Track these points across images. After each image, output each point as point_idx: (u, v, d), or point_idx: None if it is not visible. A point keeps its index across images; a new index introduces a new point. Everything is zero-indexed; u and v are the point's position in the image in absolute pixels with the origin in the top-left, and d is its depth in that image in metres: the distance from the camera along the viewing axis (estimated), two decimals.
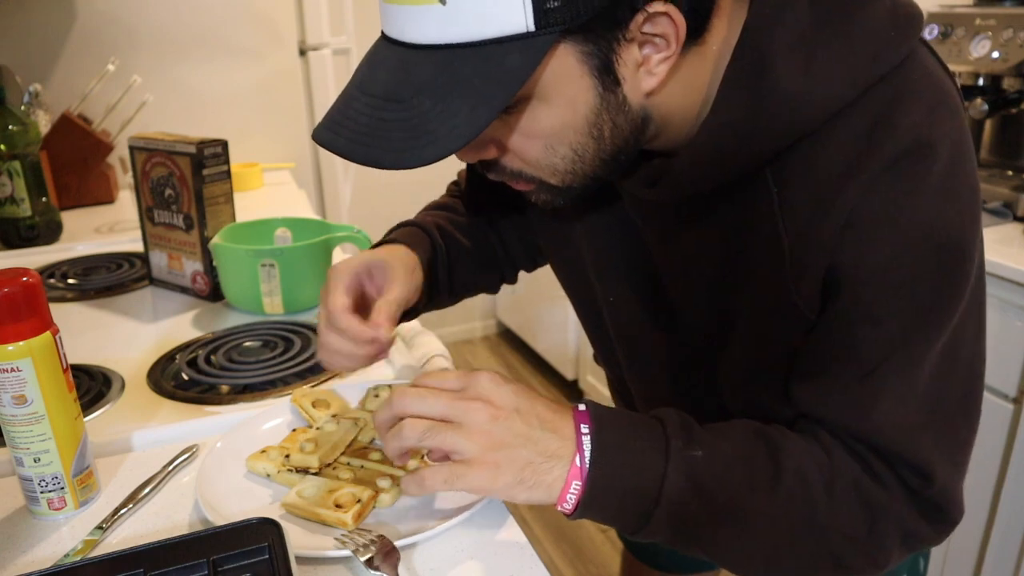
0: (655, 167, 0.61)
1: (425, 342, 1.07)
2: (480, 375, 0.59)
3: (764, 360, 0.64)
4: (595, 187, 0.61)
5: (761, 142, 0.56)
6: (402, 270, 0.75)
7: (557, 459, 0.56)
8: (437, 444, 0.56)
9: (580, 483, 0.56)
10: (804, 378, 0.61)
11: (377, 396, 0.82)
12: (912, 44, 0.55)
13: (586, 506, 0.56)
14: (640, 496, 0.56)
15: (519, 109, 0.54)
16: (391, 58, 0.53)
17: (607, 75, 0.53)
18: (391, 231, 0.85)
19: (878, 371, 0.56)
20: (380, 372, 0.94)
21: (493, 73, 0.50)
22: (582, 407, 0.59)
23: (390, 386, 0.83)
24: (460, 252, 0.85)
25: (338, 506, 0.65)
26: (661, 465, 0.56)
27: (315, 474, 0.70)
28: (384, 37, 0.55)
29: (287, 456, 0.71)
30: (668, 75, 0.54)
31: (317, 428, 0.76)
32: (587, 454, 0.56)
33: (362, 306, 0.74)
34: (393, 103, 0.52)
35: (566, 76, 0.52)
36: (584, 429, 0.57)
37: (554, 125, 0.55)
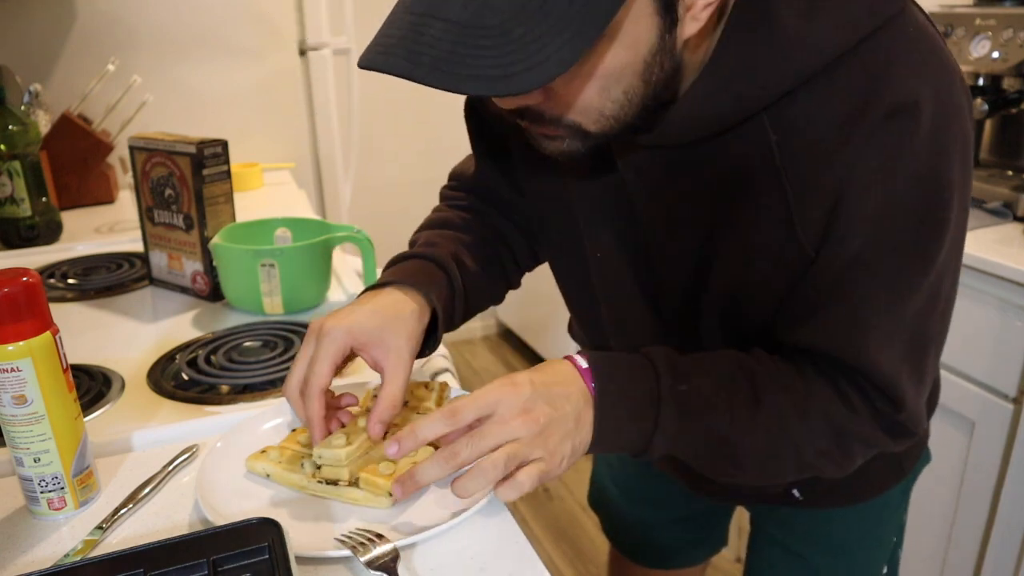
0: (657, 115, 0.62)
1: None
2: (495, 396, 0.61)
3: (748, 308, 0.68)
4: (619, 135, 0.61)
5: (761, 85, 0.57)
6: (404, 343, 0.70)
7: (586, 418, 0.63)
8: (514, 466, 0.60)
9: (592, 427, 0.63)
10: (795, 321, 0.66)
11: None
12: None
13: (597, 443, 0.64)
14: (640, 427, 0.64)
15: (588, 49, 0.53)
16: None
17: (668, 16, 0.54)
18: (403, 258, 0.80)
19: (868, 310, 0.61)
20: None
21: (584, 3, 0.49)
22: (583, 363, 0.64)
23: None
24: (474, 280, 0.83)
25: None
26: (655, 400, 0.64)
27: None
28: None
29: (318, 467, 0.69)
30: (706, 24, 0.56)
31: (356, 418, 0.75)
32: (595, 402, 0.63)
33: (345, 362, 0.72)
34: (479, 28, 0.49)
35: (639, 14, 0.52)
36: (592, 384, 0.64)
37: (618, 65, 0.55)
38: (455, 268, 0.80)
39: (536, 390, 0.62)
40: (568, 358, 0.66)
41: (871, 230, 0.59)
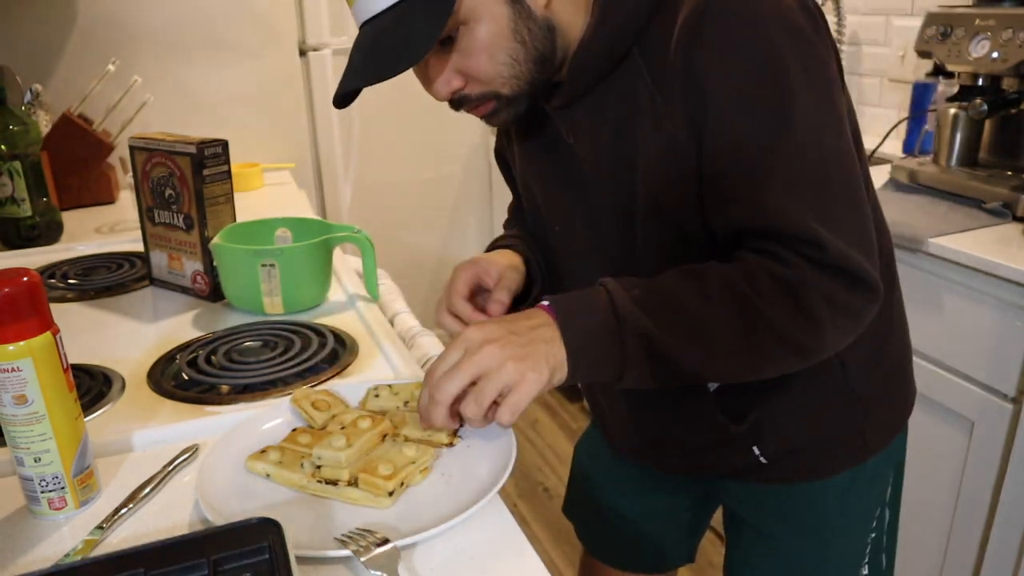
0: (562, 78, 0.79)
1: (425, 343, 1.07)
2: (465, 336, 0.69)
3: (673, 213, 0.77)
4: (539, 94, 0.78)
5: (621, 22, 0.74)
6: (511, 270, 0.90)
7: (553, 341, 0.69)
8: (493, 391, 0.66)
9: (563, 346, 0.69)
10: (709, 205, 0.75)
11: (377, 396, 0.82)
12: None
13: (574, 359, 0.69)
14: (606, 329, 0.69)
15: (462, 34, 0.73)
16: (365, 31, 0.75)
17: None
18: (493, 244, 0.99)
19: (755, 170, 0.71)
20: (380, 372, 0.94)
21: (435, 5, 0.70)
22: (547, 302, 0.72)
23: (390, 386, 0.83)
24: (540, 256, 0.98)
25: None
26: (608, 300, 0.70)
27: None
28: (359, 28, 0.76)
29: (318, 467, 0.70)
30: None
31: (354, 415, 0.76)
32: (558, 322, 0.70)
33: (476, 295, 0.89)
34: (375, 44, 0.73)
35: None
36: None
37: (488, 36, 0.73)
38: (524, 244, 0.97)
39: (500, 324, 0.70)
40: (535, 304, 0.75)
41: (728, 110, 0.70)
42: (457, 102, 0.79)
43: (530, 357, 0.67)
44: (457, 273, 0.89)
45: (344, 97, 0.77)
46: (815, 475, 0.91)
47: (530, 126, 0.88)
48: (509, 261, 0.92)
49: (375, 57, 0.72)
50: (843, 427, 0.88)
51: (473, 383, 0.67)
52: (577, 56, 0.77)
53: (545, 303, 0.72)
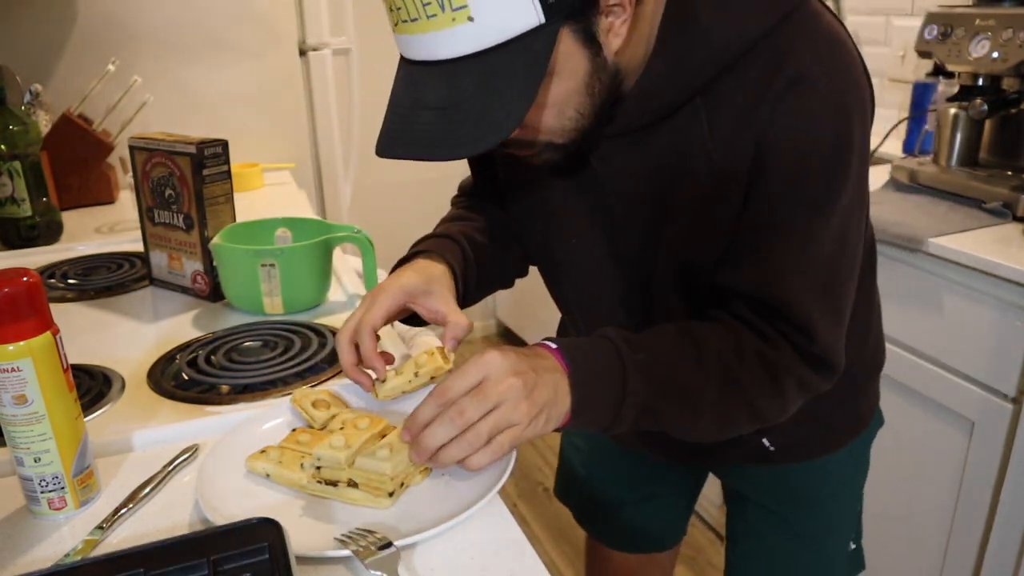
0: (614, 110, 0.74)
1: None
2: (487, 360, 0.66)
3: (697, 269, 0.77)
4: (585, 140, 0.74)
5: (689, 73, 0.70)
6: (448, 292, 0.83)
7: (563, 391, 0.68)
8: (497, 431, 0.64)
9: (570, 402, 0.69)
10: (724, 264, 0.75)
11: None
12: None
13: (575, 417, 0.69)
14: (612, 397, 0.70)
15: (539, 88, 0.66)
16: (435, 75, 0.64)
17: (593, 43, 0.66)
18: (420, 242, 0.91)
19: (783, 249, 0.72)
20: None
21: (526, 61, 0.63)
22: (554, 345, 0.71)
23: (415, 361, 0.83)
24: (485, 253, 0.92)
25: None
26: (620, 370, 0.70)
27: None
28: (410, 62, 0.67)
29: (318, 468, 0.69)
30: (628, 34, 0.68)
31: (348, 419, 0.76)
32: (570, 379, 0.69)
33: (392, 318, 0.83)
34: (455, 107, 0.64)
35: (568, 51, 0.65)
36: (563, 363, 0.70)
37: (564, 93, 0.68)
38: (466, 242, 0.90)
39: (520, 357, 0.67)
40: (538, 344, 0.73)
41: (781, 183, 0.70)
42: (503, 144, 0.70)
43: (537, 403, 0.66)
44: (378, 299, 0.80)
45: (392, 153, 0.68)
46: (817, 453, 0.94)
47: None
48: (445, 281, 0.83)
49: (459, 125, 0.63)
50: (843, 406, 0.92)
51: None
52: (640, 97, 0.73)
53: (553, 347, 0.71)
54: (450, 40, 0.62)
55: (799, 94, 0.67)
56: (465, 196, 1.03)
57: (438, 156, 0.64)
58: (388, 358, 0.82)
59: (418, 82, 0.66)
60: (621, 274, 0.84)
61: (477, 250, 0.91)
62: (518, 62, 0.62)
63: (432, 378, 0.81)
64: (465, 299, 0.88)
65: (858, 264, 0.77)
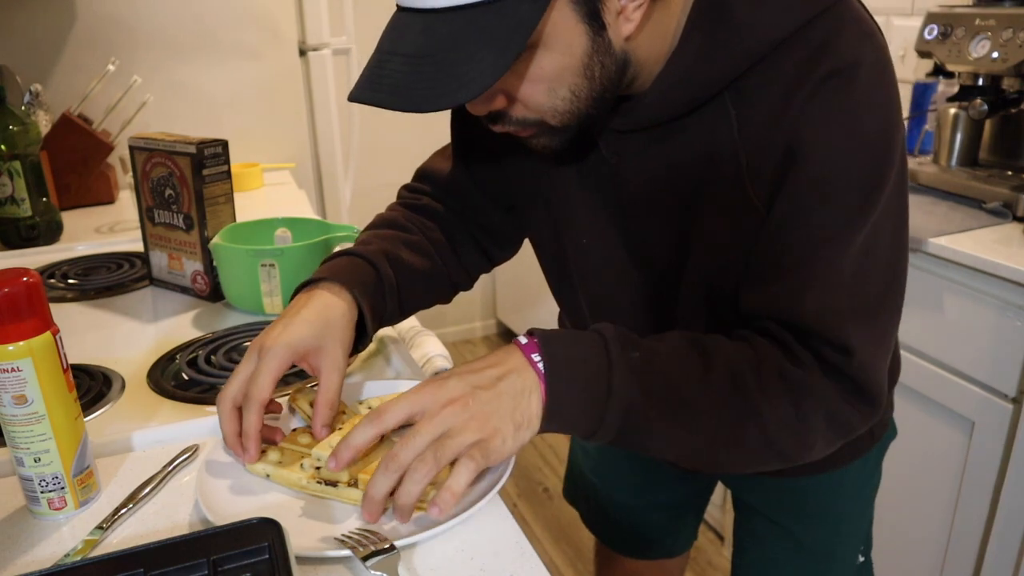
0: (630, 103, 0.70)
1: (425, 342, 1.07)
2: (420, 394, 0.63)
3: (723, 281, 0.72)
4: (585, 128, 0.69)
5: (719, 67, 0.65)
6: (338, 346, 0.74)
7: (528, 391, 0.64)
8: (449, 457, 0.61)
9: (543, 398, 0.64)
10: (748, 278, 0.70)
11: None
12: None
13: (550, 416, 0.64)
14: (593, 395, 0.64)
15: (526, 58, 0.62)
16: (416, 23, 0.61)
17: (595, 21, 0.62)
18: (333, 258, 0.83)
19: (809, 262, 0.66)
20: (380, 372, 0.94)
21: (509, 24, 0.58)
22: (524, 340, 0.66)
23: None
24: (409, 275, 0.85)
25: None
26: (606, 366, 0.64)
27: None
28: (402, 8, 0.63)
29: (318, 468, 0.69)
30: (642, 22, 0.64)
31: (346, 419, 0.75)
32: (544, 373, 0.64)
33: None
34: (426, 58, 0.60)
35: (563, 24, 0.61)
36: (535, 357, 0.65)
37: (555, 68, 0.63)
38: (386, 264, 0.83)
39: (462, 378, 0.63)
40: (515, 340, 0.68)
41: (815, 188, 0.64)
42: (493, 117, 0.69)
43: (499, 432, 0.61)
44: (265, 362, 0.71)
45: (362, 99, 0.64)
46: (828, 468, 0.91)
47: None
48: (338, 334, 0.74)
49: (425, 77, 0.60)
50: None
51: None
52: (662, 90, 0.68)
53: (525, 342, 0.66)
54: None
55: (838, 88, 0.62)
56: (423, 190, 0.95)
57: (399, 106, 0.60)
58: (276, 407, 0.77)
59: (399, 28, 0.63)
60: (642, 280, 0.79)
61: (400, 271, 0.84)
62: (502, 23, 0.58)
63: None
64: (382, 324, 0.83)
65: (903, 283, 0.70)
